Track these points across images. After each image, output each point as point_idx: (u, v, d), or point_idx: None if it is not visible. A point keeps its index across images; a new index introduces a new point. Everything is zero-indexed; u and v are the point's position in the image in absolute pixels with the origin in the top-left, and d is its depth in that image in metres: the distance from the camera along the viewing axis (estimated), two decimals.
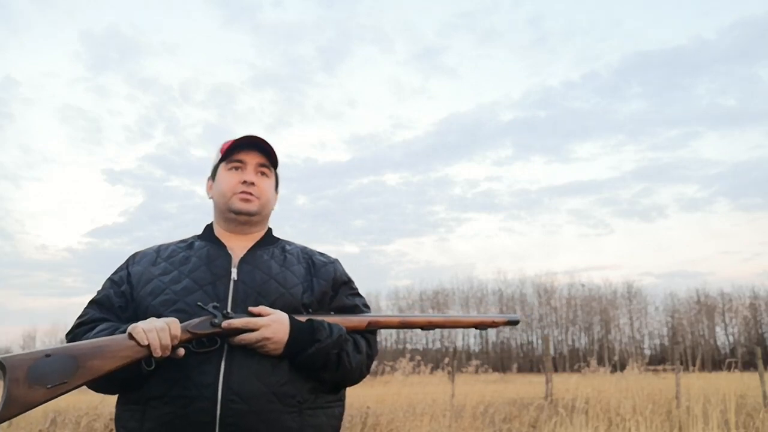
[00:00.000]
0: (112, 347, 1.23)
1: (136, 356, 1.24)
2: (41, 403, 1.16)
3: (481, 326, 1.56)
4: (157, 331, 1.24)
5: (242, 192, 1.50)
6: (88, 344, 1.23)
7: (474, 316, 1.57)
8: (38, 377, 1.15)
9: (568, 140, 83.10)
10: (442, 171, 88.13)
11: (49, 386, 1.15)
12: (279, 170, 1.63)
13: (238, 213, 1.51)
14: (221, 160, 1.55)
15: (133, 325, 1.26)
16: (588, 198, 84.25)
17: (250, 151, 1.53)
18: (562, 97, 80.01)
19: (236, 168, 1.53)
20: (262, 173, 1.55)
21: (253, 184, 1.51)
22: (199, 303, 1.32)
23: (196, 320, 1.31)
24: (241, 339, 1.31)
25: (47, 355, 1.17)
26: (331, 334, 1.37)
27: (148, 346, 1.23)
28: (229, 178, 1.52)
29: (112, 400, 1.41)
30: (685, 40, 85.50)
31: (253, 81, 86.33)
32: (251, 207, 1.51)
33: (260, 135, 1.53)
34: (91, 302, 1.47)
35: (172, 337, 1.26)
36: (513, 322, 1.58)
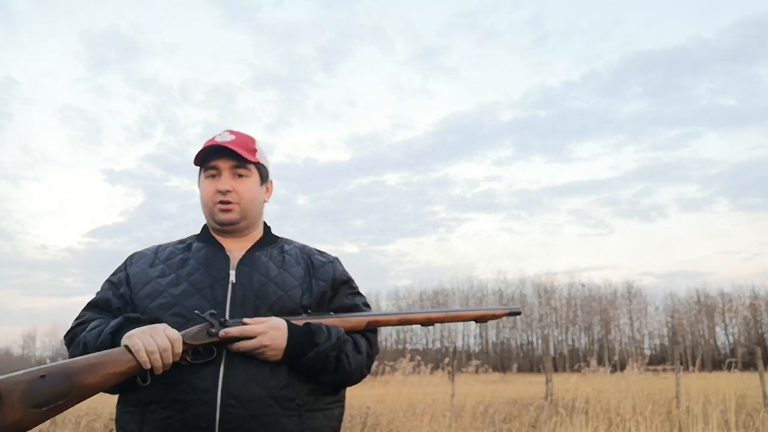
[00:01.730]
0: (107, 365, 1.20)
1: (133, 372, 1.22)
2: (36, 425, 1.14)
3: (481, 319, 1.53)
4: (160, 353, 1.22)
5: (219, 202, 1.46)
6: (84, 362, 1.20)
7: (474, 309, 1.53)
8: (34, 400, 1.12)
9: (568, 140, 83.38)
10: (442, 171, 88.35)
11: (44, 408, 1.13)
12: (276, 168, 1.60)
13: (221, 224, 1.49)
14: (200, 168, 1.52)
15: (133, 339, 1.22)
16: (588, 198, 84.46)
17: (222, 155, 1.48)
18: (562, 97, 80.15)
19: (212, 175, 1.49)
20: (239, 175, 1.49)
21: (229, 191, 1.46)
22: (196, 311, 1.30)
23: (192, 330, 1.29)
24: (239, 347, 1.30)
25: (42, 376, 1.14)
26: (330, 338, 1.35)
27: (141, 364, 1.21)
28: (206, 187, 1.49)
29: (112, 400, 1.40)
30: (685, 40, 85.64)
31: (253, 81, 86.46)
32: (232, 216, 1.48)
33: (234, 130, 1.50)
34: (89, 304, 1.45)
35: (175, 356, 1.24)
36: (514, 313, 1.55)
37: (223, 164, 1.47)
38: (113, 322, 1.32)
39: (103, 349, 1.26)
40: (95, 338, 1.31)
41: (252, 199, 1.51)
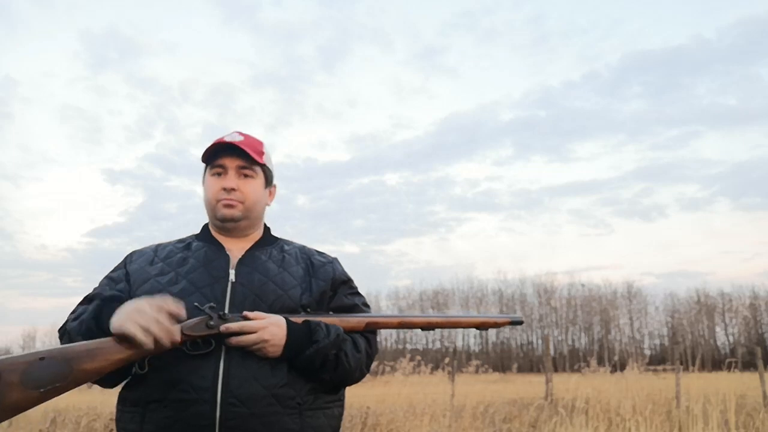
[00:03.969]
0: (105, 350, 1.21)
1: (131, 358, 1.23)
2: (34, 406, 1.16)
3: (482, 327, 1.51)
4: (156, 323, 1.21)
5: (224, 199, 1.47)
6: (83, 347, 1.22)
7: (475, 315, 1.51)
8: (32, 381, 1.14)
9: (568, 140, 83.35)
10: (442, 171, 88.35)
11: (42, 390, 1.15)
12: (276, 168, 1.60)
13: (223, 220, 1.48)
14: (206, 165, 1.52)
15: (126, 325, 1.20)
16: (588, 198, 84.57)
17: (230, 154, 1.48)
18: (562, 96, 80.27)
19: (218, 173, 1.49)
20: (245, 175, 1.49)
21: (234, 189, 1.47)
22: (196, 304, 1.31)
23: (191, 321, 1.29)
24: (239, 341, 1.30)
25: (41, 358, 1.17)
26: (329, 335, 1.36)
27: (143, 346, 1.21)
28: (211, 184, 1.49)
29: (112, 400, 1.41)
30: (685, 40, 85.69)
31: (253, 81, 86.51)
32: (235, 213, 1.47)
33: (243, 132, 1.49)
34: (85, 299, 1.45)
35: (176, 316, 1.24)
36: (516, 323, 1.53)
37: (230, 163, 1.48)
38: (91, 307, 1.33)
39: (89, 335, 1.28)
40: (78, 327, 1.32)
41: (256, 200, 1.51)
